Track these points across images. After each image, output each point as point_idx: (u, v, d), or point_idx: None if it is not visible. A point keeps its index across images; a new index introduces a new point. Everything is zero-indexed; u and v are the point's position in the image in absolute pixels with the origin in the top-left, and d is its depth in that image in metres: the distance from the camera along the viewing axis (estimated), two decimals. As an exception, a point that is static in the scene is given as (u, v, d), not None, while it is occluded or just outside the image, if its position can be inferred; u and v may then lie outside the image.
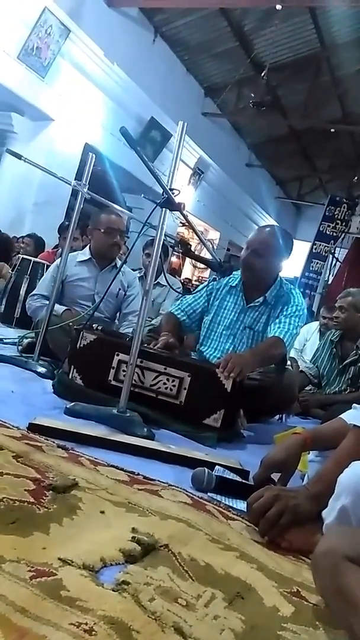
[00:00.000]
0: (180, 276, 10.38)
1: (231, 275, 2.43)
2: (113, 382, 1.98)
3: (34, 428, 1.43)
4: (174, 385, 1.95)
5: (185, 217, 2.02)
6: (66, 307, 2.69)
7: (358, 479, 0.98)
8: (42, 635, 0.63)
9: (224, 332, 2.42)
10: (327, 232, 9.86)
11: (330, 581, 0.78)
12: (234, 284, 2.44)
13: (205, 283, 2.62)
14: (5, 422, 1.41)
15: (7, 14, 5.72)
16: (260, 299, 2.38)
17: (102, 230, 2.85)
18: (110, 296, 2.84)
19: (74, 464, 1.25)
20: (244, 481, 1.43)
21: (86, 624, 0.67)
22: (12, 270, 4.01)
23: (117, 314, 3.00)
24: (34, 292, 2.95)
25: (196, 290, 2.72)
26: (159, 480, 1.29)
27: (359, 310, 3.26)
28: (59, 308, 2.63)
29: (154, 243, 1.82)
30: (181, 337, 2.50)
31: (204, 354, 2.45)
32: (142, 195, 3.12)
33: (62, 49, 6.40)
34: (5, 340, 2.84)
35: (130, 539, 0.92)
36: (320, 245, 9.85)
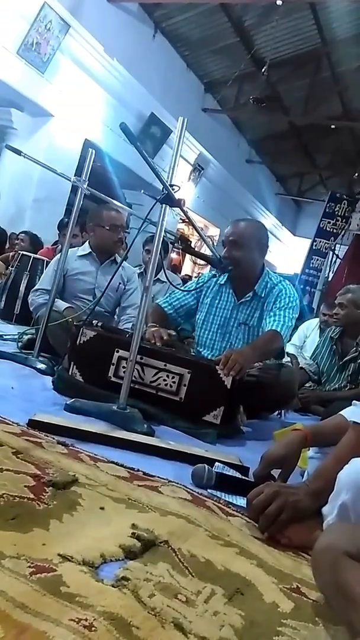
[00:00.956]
0: (180, 273, 10.38)
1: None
2: (113, 379, 1.98)
3: (33, 424, 1.43)
4: (174, 382, 1.95)
5: (185, 213, 2.02)
6: (68, 305, 2.69)
7: (358, 476, 0.98)
8: (42, 631, 0.63)
9: (219, 330, 2.42)
10: (328, 229, 9.83)
11: (330, 577, 0.78)
12: (222, 282, 2.45)
13: (195, 280, 2.63)
14: (5, 419, 1.41)
15: (7, 9, 5.70)
16: (251, 294, 2.39)
17: (107, 228, 2.85)
18: (111, 290, 2.85)
19: (73, 460, 1.25)
20: (243, 477, 1.43)
21: (86, 619, 0.67)
22: (11, 267, 4.01)
23: (117, 308, 3.01)
24: (36, 287, 2.95)
25: (186, 286, 2.72)
26: (158, 477, 1.29)
27: (359, 307, 3.26)
28: (60, 305, 2.63)
29: (154, 239, 1.82)
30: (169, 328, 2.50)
31: (202, 354, 2.46)
32: (142, 191, 3.12)
33: (62, 44, 6.38)
34: (5, 337, 2.84)
35: (130, 535, 0.92)
36: (320, 241, 9.83)
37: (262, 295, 2.39)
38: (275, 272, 2.55)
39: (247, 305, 2.40)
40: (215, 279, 2.46)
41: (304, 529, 1.08)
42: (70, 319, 2.47)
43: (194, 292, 2.51)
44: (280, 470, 1.32)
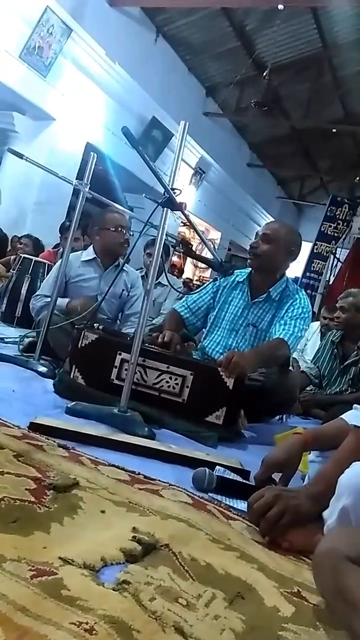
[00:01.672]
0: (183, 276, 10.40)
1: (240, 272, 2.44)
2: (116, 381, 1.98)
3: (34, 427, 1.43)
4: (176, 384, 1.96)
5: (186, 216, 2.02)
6: (68, 300, 2.67)
7: (359, 480, 0.98)
8: (42, 634, 0.63)
9: (227, 327, 2.42)
10: (329, 233, 9.82)
11: (331, 582, 0.78)
12: (241, 280, 2.45)
13: (212, 280, 2.62)
14: (6, 422, 1.41)
15: (9, 13, 5.72)
16: (265, 295, 2.39)
17: (113, 229, 2.85)
18: (114, 296, 2.84)
19: (74, 464, 1.25)
20: (244, 481, 1.43)
21: (87, 623, 0.67)
22: (13, 270, 4.01)
23: (119, 315, 3.00)
24: (37, 293, 2.95)
25: (202, 287, 2.72)
26: (159, 480, 1.29)
27: (360, 310, 3.26)
28: (61, 302, 2.63)
29: (155, 243, 1.82)
30: (184, 335, 2.49)
31: (207, 348, 2.45)
32: (144, 194, 3.13)
33: (64, 48, 6.39)
34: (6, 340, 2.84)
35: (131, 538, 0.92)
36: (321, 245, 9.82)
37: (276, 299, 2.39)
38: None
39: (260, 306, 2.40)
40: (234, 277, 2.46)
41: (305, 533, 1.08)
42: (70, 323, 2.47)
43: (211, 291, 2.51)
44: (281, 474, 1.32)
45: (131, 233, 2.94)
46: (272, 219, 12.91)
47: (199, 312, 2.51)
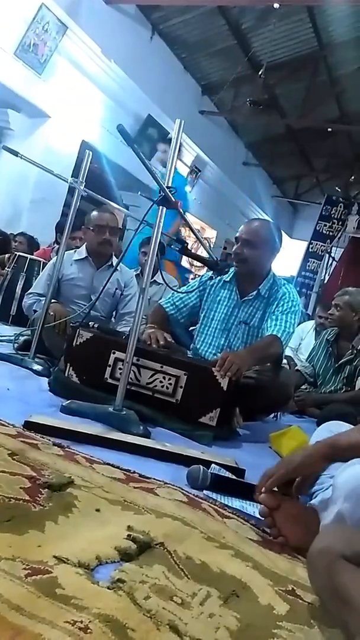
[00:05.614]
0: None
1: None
2: (109, 380, 1.98)
3: (29, 426, 1.43)
4: (170, 384, 1.95)
5: (182, 215, 2.02)
6: (54, 301, 2.66)
7: (355, 484, 0.97)
8: (37, 633, 0.63)
9: (218, 327, 2.42)
10: (324, 232, 9.85)
11: (326, 580, 0.78)
12: (227, 279, 2.45)
13: (198, 279, 2.63)
14: (1, 420, 1.41)
15: (4, 10, 5.69)
16: (254, 293, 2.39)
17: (92, 229, 2.86)
18: (107, 295, 2.84)
19: (69, 462, 1.25)
20: (239, 479, 1.43)
21: (81, 622, 0.67)
22: (8, 268, 4.00)
23: (114, 313, 3.00)
24: (30, 291, 2.95)
25: (189, 285, 2.72)
26: (154, 478, 1.29)
27: (354, 310, 3.27)
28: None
29: (150, 241, 1.82)
30: (168, 330, 2.48)
31: (199, 350, 2.45)
32: (139, 193, 3.13)
33: (59, 45, 6.37)
34: (1, 338, 2.84)
35: (126, 537, 0.92)
36: (316, 244, 9.84)
37: (266, 296, 2.39)
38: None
39: (250, 304, 2.40)
40: (220, 277, 2.45)
41: (301, 530, 1.08)
42: (60, 322, 2.47)
43: (197, 290, 2.51)
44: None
45: (120, 228, 2.93)
46: (268, 218, 12.92)
47: (184, 309, 2.51)
